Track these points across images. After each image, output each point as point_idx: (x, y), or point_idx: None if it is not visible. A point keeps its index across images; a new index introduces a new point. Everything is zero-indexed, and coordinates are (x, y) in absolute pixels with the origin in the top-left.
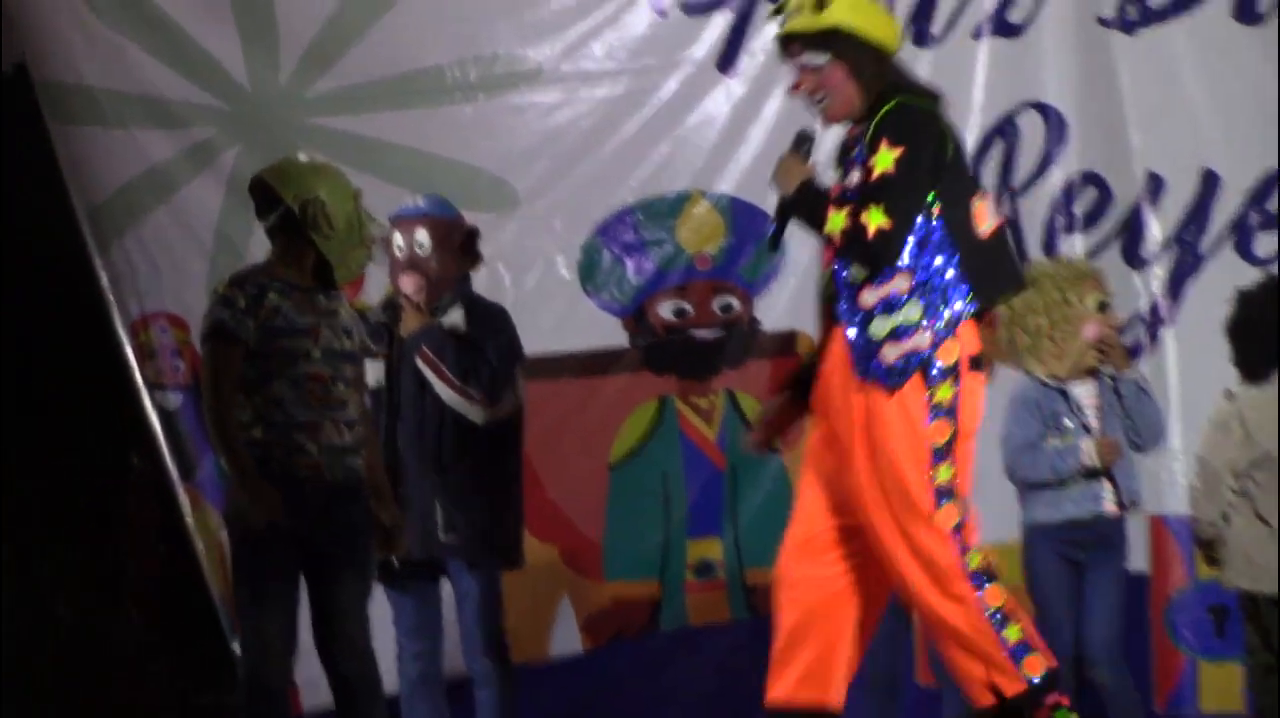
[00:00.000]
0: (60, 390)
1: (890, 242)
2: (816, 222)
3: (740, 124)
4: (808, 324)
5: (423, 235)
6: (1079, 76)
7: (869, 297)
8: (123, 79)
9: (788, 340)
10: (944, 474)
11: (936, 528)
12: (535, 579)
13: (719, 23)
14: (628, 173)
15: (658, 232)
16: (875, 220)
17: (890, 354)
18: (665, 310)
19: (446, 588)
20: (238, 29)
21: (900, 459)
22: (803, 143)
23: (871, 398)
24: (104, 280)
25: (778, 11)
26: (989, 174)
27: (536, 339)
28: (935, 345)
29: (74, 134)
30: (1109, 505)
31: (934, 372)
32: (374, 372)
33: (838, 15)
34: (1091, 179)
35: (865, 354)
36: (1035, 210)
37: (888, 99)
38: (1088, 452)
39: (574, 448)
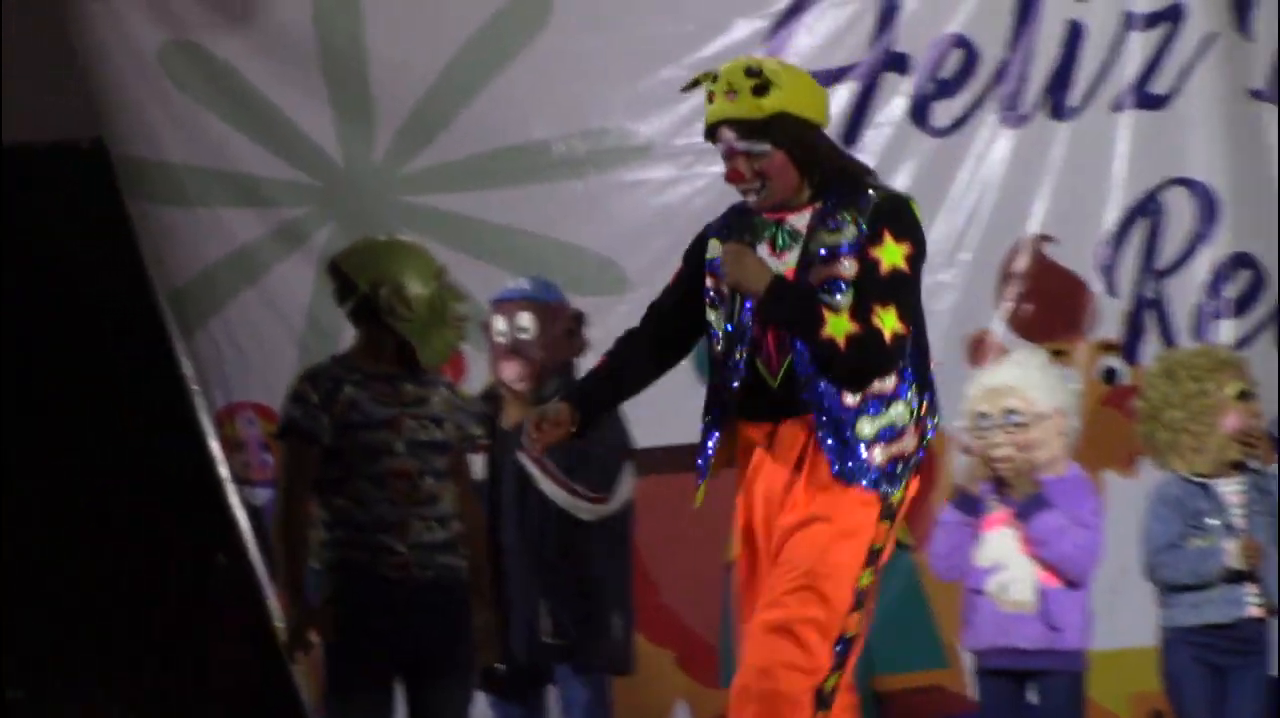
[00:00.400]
0: (140, 485)
1: (904, 346)
2: (805, 321)
3: None
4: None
5: (525, 319)
6: (1229, 151)
7: (851, 396)
8: (208, 155)
9: None
10: (866, 579)
11: (828, 624)
12: (648, 686)
13: (843, 93)
14: None
15: None
16: (890, 324)
17: (879, 456)
18: None
19: (554, 695)
20: (331, 103)
21: (834, 546)
22: (745, 231)
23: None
24: (187, 368)
25: (694, 85)
26: (1131, 255)
27: (649, 430)
28: (920, 449)
29: (155, 213)
30: (1253, 609)
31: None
32: (475, 465)
33: (782, 101)
34: (1243, 260)
35: (847, 455)
36: (1183, 295)
37: (846, 181)
38: (1232, 553)
39: (689, 546)
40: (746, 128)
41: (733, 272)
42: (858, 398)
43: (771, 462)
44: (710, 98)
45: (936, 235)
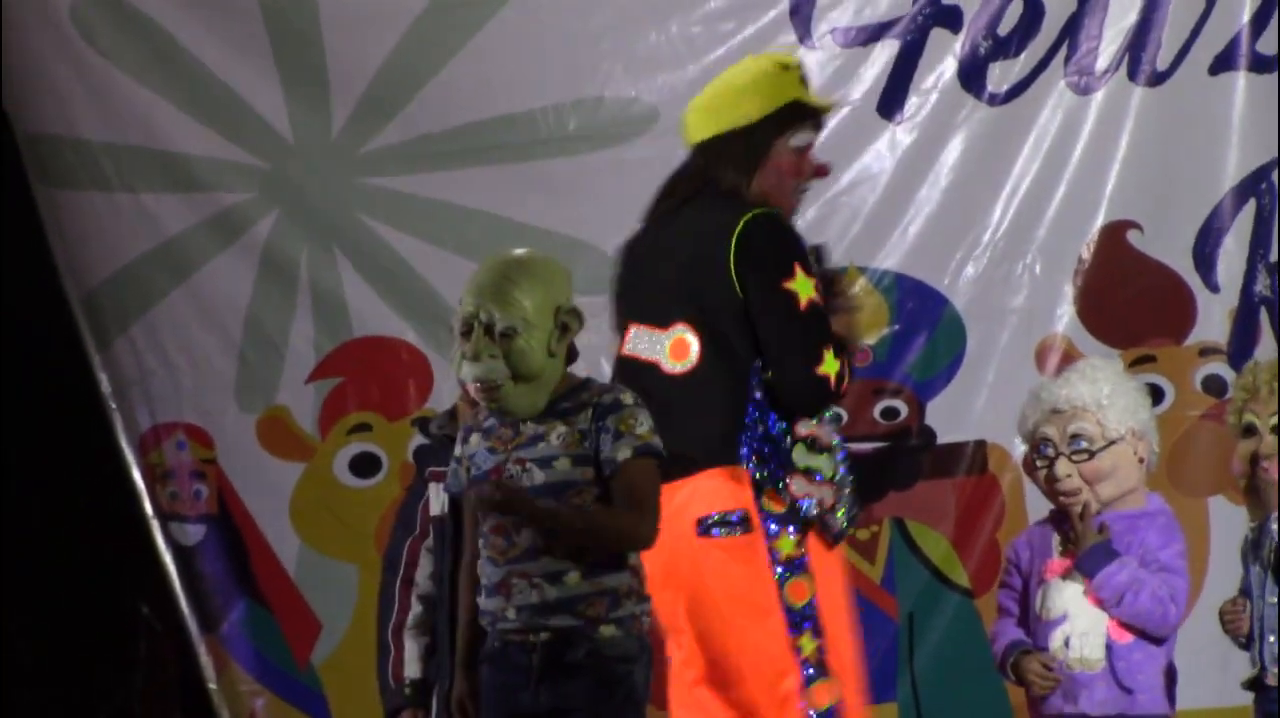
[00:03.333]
0: (47, 524)
1: None
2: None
3: (908, 182)
4: (997, 434)
5: None
6: None
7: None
8: (131, 132)
9: (974, 455)
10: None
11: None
12: None
13: (881, 55)
14: None
15: None
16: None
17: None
18: None
19: None
20: (279, 72)
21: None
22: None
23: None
24: (104, 384)
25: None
26: (1236, 245)
27: None
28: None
29: (67, 200)
30: None
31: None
32: (437, 498)
33: None
34: None
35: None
36: None
37: None
38: None
39: None
40: None
41: (866, 331)
42: None
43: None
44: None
45: (996, 222)
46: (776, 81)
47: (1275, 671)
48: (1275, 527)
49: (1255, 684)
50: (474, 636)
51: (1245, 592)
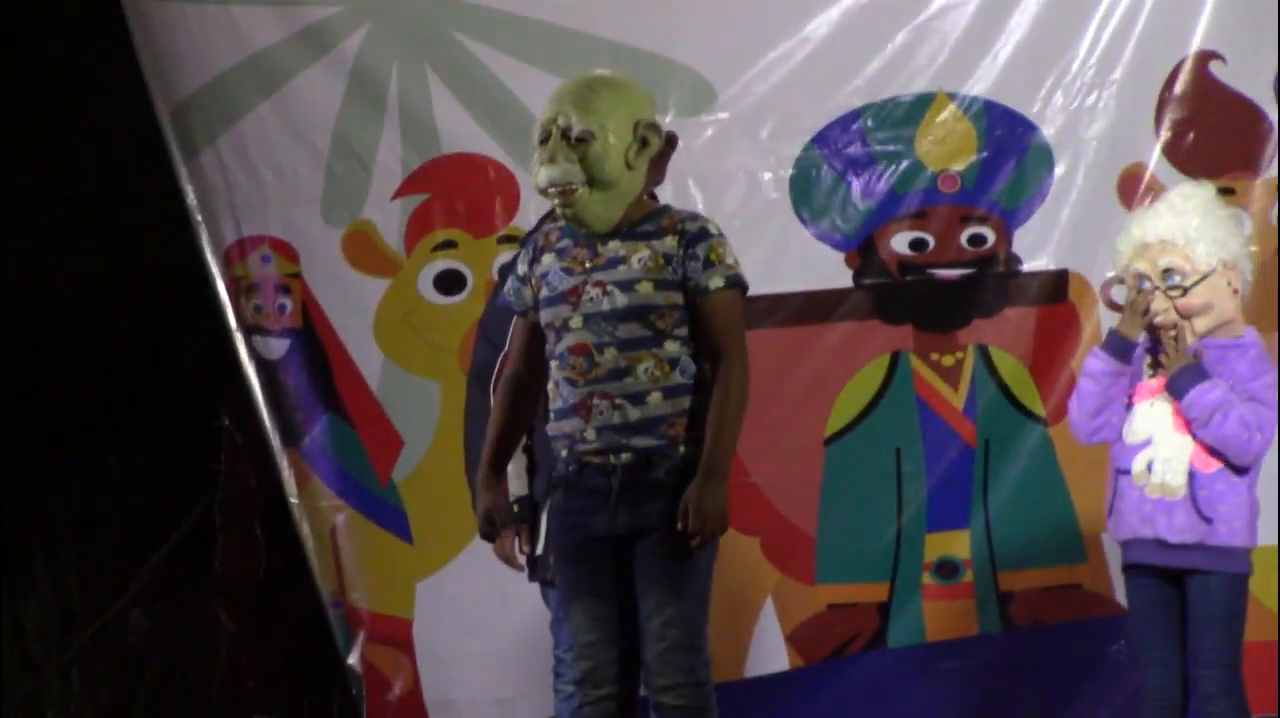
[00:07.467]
0: (134, 335)
1: None
2: None
3: (999, 9)
4: (1079, 262)
5: None
6: None
7: None
8: None
9: (1055, 283)
10: None
11: None
12: (731, 581)
13: None
14: (855, 68)
15: (892, 143)
16: None
17: None
18: (900, 243)
19: None
20: None
21: None
22: None
23: None
24: (190, 196)
25: None
26: None
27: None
28: None
29: (155, 13)
30: None
31: None
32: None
33: None
34: None
35: None
36: None
37: None
38: None
39: (781, 416)
40: None
41: None
42: None
43: None
44: None
45: (1085, 51)
46: None
47: None
48: None
49: None
50: (504, 448)
51: None
